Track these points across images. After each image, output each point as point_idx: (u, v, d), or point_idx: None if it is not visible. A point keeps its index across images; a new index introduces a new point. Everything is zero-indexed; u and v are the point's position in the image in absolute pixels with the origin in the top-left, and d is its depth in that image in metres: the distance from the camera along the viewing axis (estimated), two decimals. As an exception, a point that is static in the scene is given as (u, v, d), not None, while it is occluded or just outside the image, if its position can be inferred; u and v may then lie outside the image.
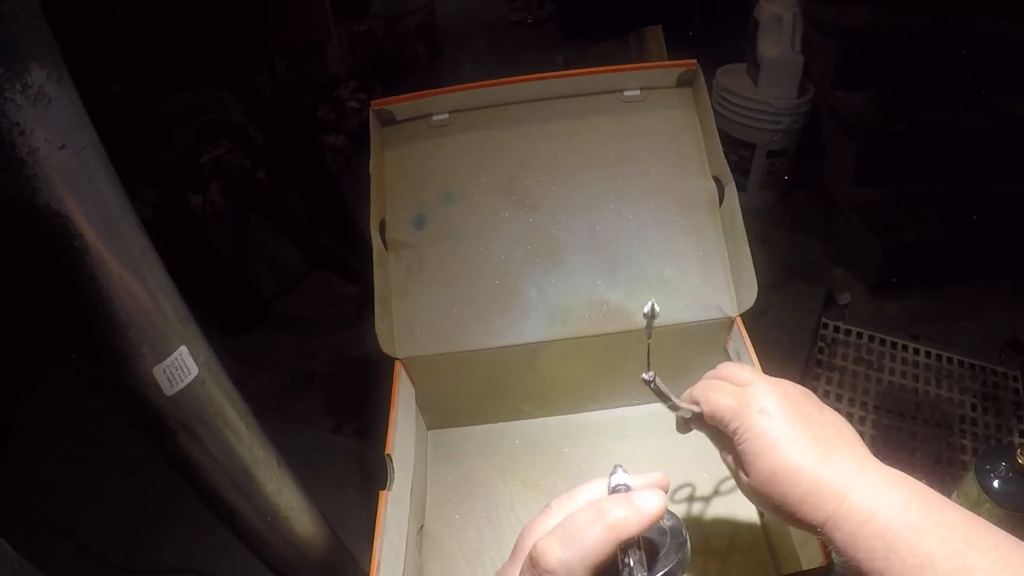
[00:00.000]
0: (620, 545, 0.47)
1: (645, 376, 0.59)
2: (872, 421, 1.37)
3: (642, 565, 0.47)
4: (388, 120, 1.04)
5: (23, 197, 0.55)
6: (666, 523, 0.52)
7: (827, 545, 0.55)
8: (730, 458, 0.63)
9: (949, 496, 1.02)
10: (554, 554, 0.46)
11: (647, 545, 0.50)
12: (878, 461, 0.56)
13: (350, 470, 2.21)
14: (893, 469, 0.55)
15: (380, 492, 0.82)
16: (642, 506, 0.48)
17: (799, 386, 0.64)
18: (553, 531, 0.48)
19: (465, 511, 0.99)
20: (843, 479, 0.54)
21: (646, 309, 0.60)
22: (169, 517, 2.04)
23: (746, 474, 0.59)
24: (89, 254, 0.62)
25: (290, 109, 2.77)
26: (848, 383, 1.44)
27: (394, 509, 0.84)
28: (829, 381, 1.44)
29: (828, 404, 1.33)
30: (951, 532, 0.49)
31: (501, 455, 1.06)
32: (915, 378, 1.46)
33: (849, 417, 1.37)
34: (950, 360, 1.51)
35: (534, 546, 0.47)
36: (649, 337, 0.61)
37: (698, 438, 0.98)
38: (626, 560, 0.47)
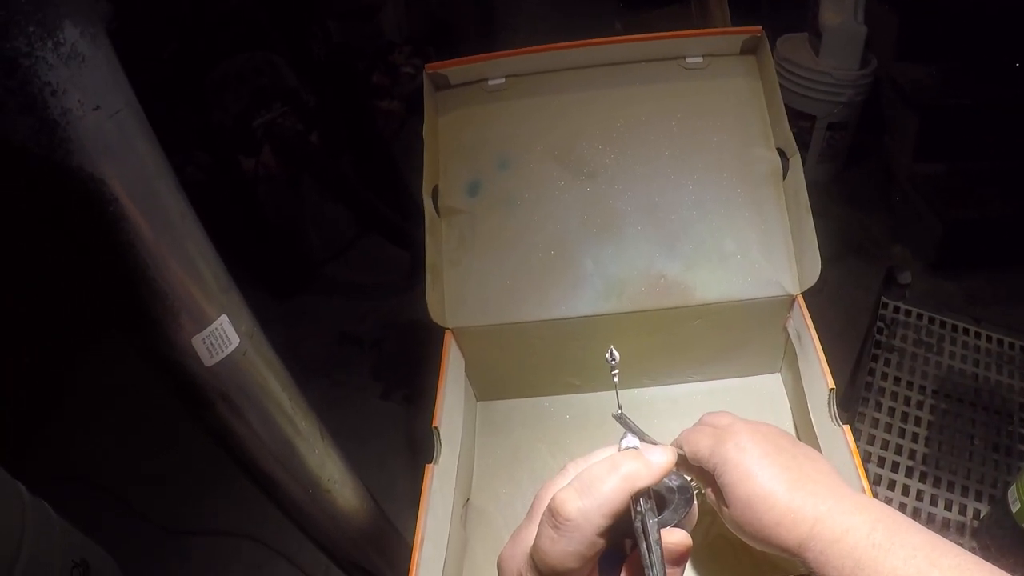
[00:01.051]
0: (633, 495, 0.50)
1: (614, 413, 0.62)
2: (930, 406, 1.33)
3: (653, 512, 0.51)
4: (442, 84, 1.02)
5: (56, 160, 0.54)
6: (675, 483, 0.58)
7: (803, 566, 0.58)
8: (712, 493, 0.68)
9: (1008, 489, 0.99)
10: (573, 503, 0.49)
11: (658, 499, 0.56)
12: (850, 488, 0.60)
13: (398, 437, 2.21)
14: (864, 495, 0.59)
15: (426, 465, 0.81)
16: (652, 459, 0.53)
17: (776, 426, 0.68)
18: (571, 483, 0.51)
19: (512, 486, 0.98)
20: (815, 503, 0.58)
21: (607, 355, 0.62)
22: (216, 480, 2.06)
23: (726, 505, 0.63)
24: (125, 220, 0.60)
25: (343, 73, 2.76)
26: (907, 366, 1.40)
27: (440, 483, 0.82)
28: (887, 363, 1.40)
29: (885, 387, 1.32)
30: (916, 552, 0.52)
31: (550, 429, 1.04)
32: (975, 363, 1.42)
33: (906, 401, 1.33)
34: (1011, 345, 1.46)
35: (553, 497, 0.50)
36: (615, 380, 0.62)
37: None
38: (638, 508, 0.50)
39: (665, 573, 0.48)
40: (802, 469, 0.61)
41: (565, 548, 0.49)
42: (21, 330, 2.28)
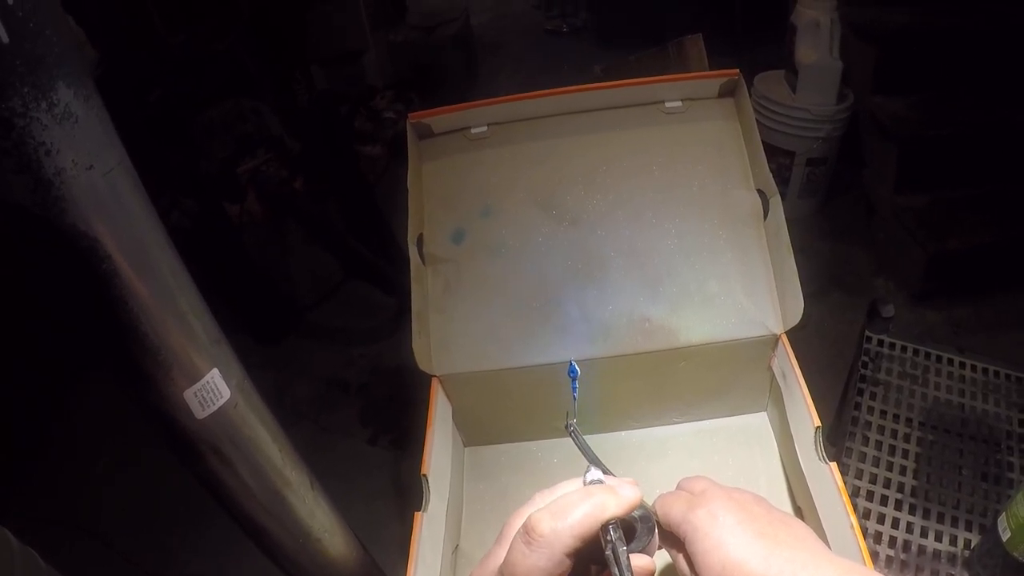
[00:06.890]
0: (603, 525, 0.54)
1: (566, 425, 0.67)
2: (917, 438, 1.33)
3: (622, 540, 0.53)
4: (425, 133, 1.03)
5: (50, 219, 0.54)
6: (638, 514, 0.61)
7: None
8: (683, 562, 0.65)
9: (997, 518, 1.00)
10: (546, 523, 0.52)
11: (625, 528, 0.58)
12: (832, 554, 0.58)
13: (385, 482, 2.21)
14: (847, 560, 0.57)
15: (415, 513, 0.81)
16: (621, 493, 0.56)
17: (752, 492, 0.66)
18: (546, 507, 0.54)
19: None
20: (792, 571, 0.55)
21: (569, 370, 0.66)
22: (198, 521, 2.05)
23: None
24: (118, 277, 0.61)
25: (327, 118, 2.78)
26: (892, 398, 1.41)
27: (429, 530, 0.83)
28: (873, 397, 1.41)
29: (871, 420, 1.32)
30: None
31: (538, 474, 1.04)
32: (961, 393, 1.43)
33: (893, 434, 1.33)
34: (996, 374, 1.47)
35: (528, 518, 0.53)
36: (575, 394, 0.68)
37: (739, 462, 0.96)
38: (608, 537, 0.53)
39: None
40: (777, 536, 0.59)
41: (535, 563, 0.52)
42: (5, 371, 2.26)
